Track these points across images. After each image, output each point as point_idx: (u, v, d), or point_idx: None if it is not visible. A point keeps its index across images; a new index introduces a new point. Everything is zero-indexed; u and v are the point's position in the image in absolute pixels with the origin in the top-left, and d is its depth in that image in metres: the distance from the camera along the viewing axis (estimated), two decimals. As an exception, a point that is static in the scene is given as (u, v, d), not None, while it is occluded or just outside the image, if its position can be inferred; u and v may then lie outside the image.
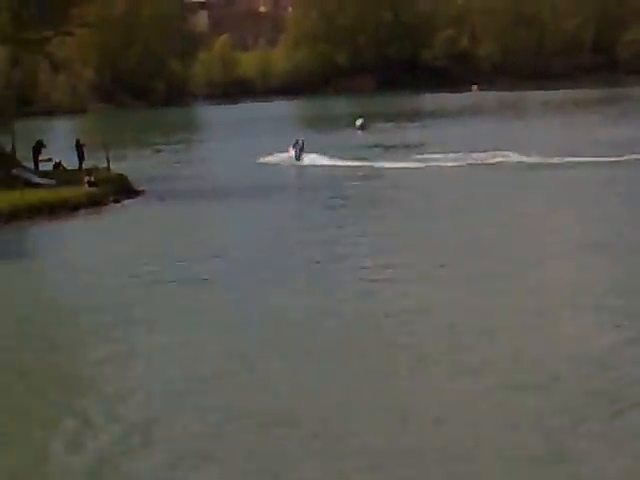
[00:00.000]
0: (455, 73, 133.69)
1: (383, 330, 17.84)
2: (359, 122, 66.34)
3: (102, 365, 16.72)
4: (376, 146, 53.66)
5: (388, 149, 52.18)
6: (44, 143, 43.95)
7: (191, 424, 13.51)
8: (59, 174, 40.74)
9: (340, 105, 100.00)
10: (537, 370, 15.17)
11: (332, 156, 47.73)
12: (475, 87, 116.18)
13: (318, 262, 23.83)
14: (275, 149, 50.50)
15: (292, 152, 48.85)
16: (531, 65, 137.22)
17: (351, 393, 14.60)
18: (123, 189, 38.24)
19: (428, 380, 15.17)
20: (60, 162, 43.27)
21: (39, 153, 42.73)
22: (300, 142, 49.68)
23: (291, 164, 47.57)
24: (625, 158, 41.63)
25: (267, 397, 14.51)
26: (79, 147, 43.04)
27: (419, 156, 46.76)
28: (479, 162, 43.27)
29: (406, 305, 19.27)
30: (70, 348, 18.38)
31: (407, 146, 53.35)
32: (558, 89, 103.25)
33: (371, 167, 43.93)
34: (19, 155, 41.99)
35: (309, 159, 48.16)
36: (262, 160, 48.38)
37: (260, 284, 21.69)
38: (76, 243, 29.54)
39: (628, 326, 17.31)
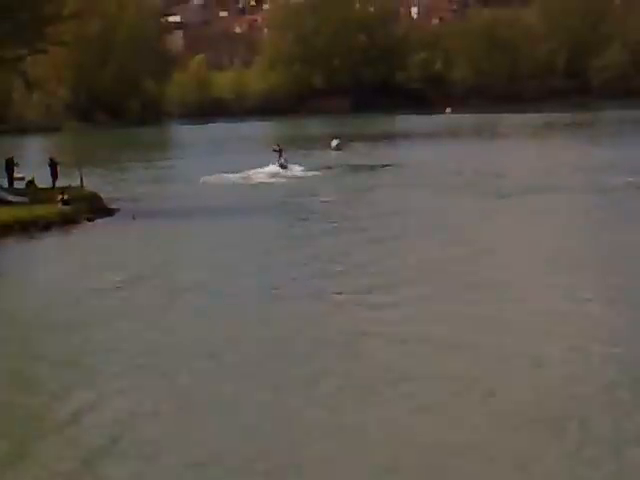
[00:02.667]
0: (429, 95, 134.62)
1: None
2: (335, 143, 66.82)
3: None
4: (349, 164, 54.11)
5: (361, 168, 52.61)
6: (16, 161, 43.90)
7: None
8: (32, 192, 40.67)
9: (315, 126, 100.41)
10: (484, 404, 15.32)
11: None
12: (449, 109, 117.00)
13: (276, 287, 23.42)
14: (249, 167, 51.77)
15: (274, 160, 52.11)
16: (504, 88, 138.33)
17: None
18: (96, 208, 38.23)
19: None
20: (33, 180, 43.23)
21: (12, 171, 42.66)
22: (278, 148, 53.05)
23: (264, 180, 48.62)
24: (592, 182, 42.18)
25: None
26: (53, 165, 42.99)
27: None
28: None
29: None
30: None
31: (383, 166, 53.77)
32: (531, 112, 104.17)
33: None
34: (-8, 173, 41.92)
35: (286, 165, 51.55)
36: (231, 178, 49.12)
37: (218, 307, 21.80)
38: (46, 261, 29.50)
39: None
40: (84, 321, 20.77)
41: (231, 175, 50.35)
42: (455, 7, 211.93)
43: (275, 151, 54.10)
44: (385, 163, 55.76)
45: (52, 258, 29.92)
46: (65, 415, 14.92)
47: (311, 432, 13.82)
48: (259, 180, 49.30)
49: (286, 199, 41.28)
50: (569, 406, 14.57)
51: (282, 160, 53.16)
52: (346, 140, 69.48)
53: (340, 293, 22.16)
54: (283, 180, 48.99)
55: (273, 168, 52.13)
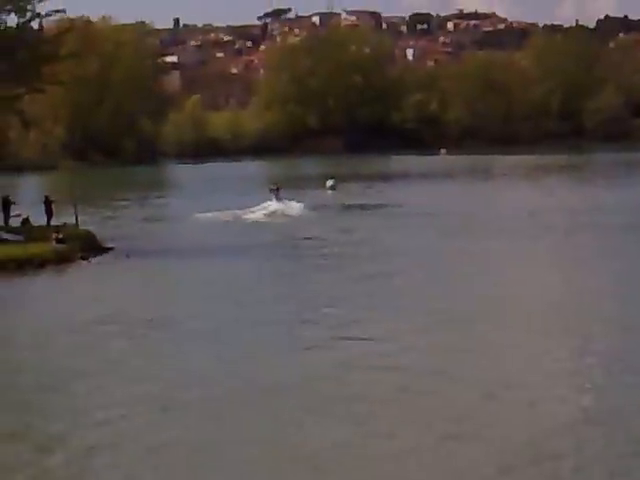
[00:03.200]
0: (424, 136, 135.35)
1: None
2: (330, 183, 67.16)
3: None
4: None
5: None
6: (12, 199, 44.01)
7: None
8: (27, 230, 40.72)
9: (309, 166, 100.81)
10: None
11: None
12: (443, 151, 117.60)
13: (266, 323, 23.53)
14: (245, 206, 52.25)
15: (272, 199, 53.28)
16: (499, 130, 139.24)
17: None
18: (91, 246, 38.25)
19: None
20: (28, 217, 43.22)
21: (8, 209, 42.73)
22: (275, 187, 54.31)
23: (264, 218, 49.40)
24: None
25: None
26: (48, 203, 43.07)
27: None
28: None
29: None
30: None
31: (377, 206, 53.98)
32: (525, 154, 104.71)
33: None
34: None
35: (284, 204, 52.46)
36: (226, 216, 49.35)
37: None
38: (39, 300, 29.48)
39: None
40: (66, 361, 20.76)
41: (226, 212, 50.68)
42: (450, 50, 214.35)
43: (272, 190, 54.69)
44: (379, 203, 55.98)
45: (46, 297, 29.86)
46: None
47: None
48: (255, 219, 49.55)
49: (281, 238, 41.44)
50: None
51: (279, 198, 53.87)
52: (341, 180, 69.75)
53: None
54: (279, 219, 49.21)
55: (270, 206, 52.67)
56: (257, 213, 51.28)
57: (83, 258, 36.36)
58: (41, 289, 31.23)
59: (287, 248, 38.65)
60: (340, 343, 21.38)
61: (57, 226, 39.54)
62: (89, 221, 44.58)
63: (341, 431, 15.58)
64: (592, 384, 17.92)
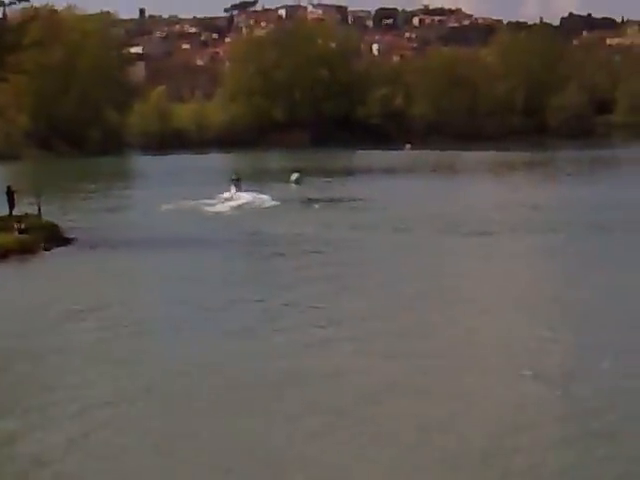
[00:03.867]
0: (389, 131, 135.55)
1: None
2: (294, 177, 67.18)
3: None
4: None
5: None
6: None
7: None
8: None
9: (274, 159, 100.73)
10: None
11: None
12: (408, 146, 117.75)
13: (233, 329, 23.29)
14: (208, 197, 53.03)
15: (232, 190, 54.27)
16: (464, 126, 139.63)
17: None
18: (54, 237, 38.06)
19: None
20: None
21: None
22: (236, 177, 55.89)
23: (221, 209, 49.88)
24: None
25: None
26: (10, 193, 42.70)
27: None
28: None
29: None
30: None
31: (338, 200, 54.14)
32: (489, 150, 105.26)
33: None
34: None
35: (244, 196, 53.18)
36: (189, 207, 49.54)
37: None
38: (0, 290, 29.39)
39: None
40: (24, 354, 20.76)
41: (189, 203, 50.80)
42: (415, 45, 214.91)
43: (233, 180, 56.05)
44: (344, 198, 56.13)
45: (6, 287, 29.73)
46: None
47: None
48: (218, 210, 49.65)
49: (243, 231, 41.43)
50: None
51: (240, 189, 55.04)
52: (306, 174, 69.82)
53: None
54: (240, 212, 49.28)
55: (235, 198, 53.37)
56: (222, 205, 51.46)
57: (46, 249, 36.19)
58: (1, 280, 31.07)
59: (252, 242, 38.66)
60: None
61: (19, 216, 39.30)
62: (52, 212, 44.33)
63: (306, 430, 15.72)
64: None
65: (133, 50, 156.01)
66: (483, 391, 17.59)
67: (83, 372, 19.12)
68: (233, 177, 56.76)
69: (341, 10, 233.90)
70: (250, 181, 62.53)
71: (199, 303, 25.89)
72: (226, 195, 54.36)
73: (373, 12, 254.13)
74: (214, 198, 53.09)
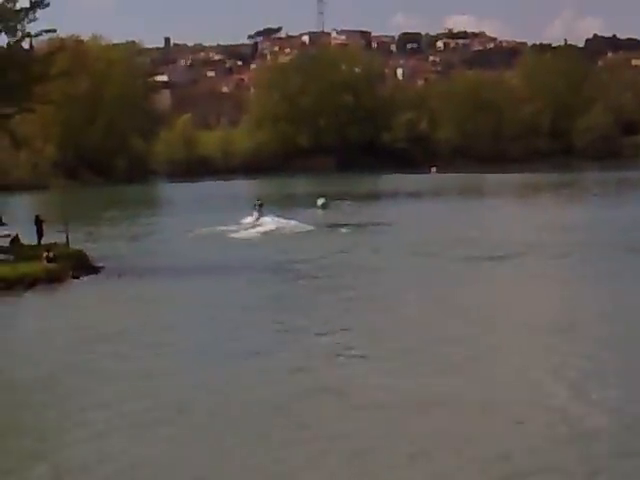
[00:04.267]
0: (414, 155, 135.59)
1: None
2: (320, 201, 67.20)
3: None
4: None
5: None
6: (2, 219, 43.92)
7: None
8: (18, 249, 40.60)
9: (301, 185, 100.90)
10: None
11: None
12: (434, 169, 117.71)
13: (258, 352, 23.30)
14: (234, 223, 53.94)
15: (255, 215, 55.70)
16: (489, 149, 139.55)
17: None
18: (82, 265, 38.20)
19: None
20: (17, 236, 42.96)
21: (-3, 227, 42.60)
22: (259, 203, 57.22)
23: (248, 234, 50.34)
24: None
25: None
26: (39, 223, 42.96)
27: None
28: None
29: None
30: None
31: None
32: (515, 173, 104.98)
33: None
34: (-22, 230, 41.89)
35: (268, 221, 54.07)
36: (215, 234, 49.85)
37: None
38: (28, 319, 29.49)
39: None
40: (58, 379, 20.82)
41: (216, 230, 51.04)
42: (440, 69, 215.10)
43: (256, 206, 57.39)
44: (371, 222, 56.08)
45: (36, 316, 29.84)
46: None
47: None
48: (245, 236, 49.79)
49: (269, 257, 41.35)
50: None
51: (262, 215, 56.23)
52: (332, 199, 69.85)
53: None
54: (267, 237, 49.35)
55: (253, 222, 54.74)
56: (248, 231, 51.67)
57: (74, 277, 36.33)
58: (31, 309, 31.19)
59: (277, 267, 38.60)
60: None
61: (48, 245, 39.49)
62: (80, 240, 44.55)
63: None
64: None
65: (158, 78, 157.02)
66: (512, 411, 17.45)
67: (114, 393, 19.14)
68: (256, 202, 57.99)
69: (365, 35, 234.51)
70: (277, 206, 62.76)
71: (226, 328, 25.93)
72: (249, 220, 55.41)
73: (397, 37, 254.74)
74: (240, 224, 53.56)
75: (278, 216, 55.94)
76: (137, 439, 16.66)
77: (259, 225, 53.73)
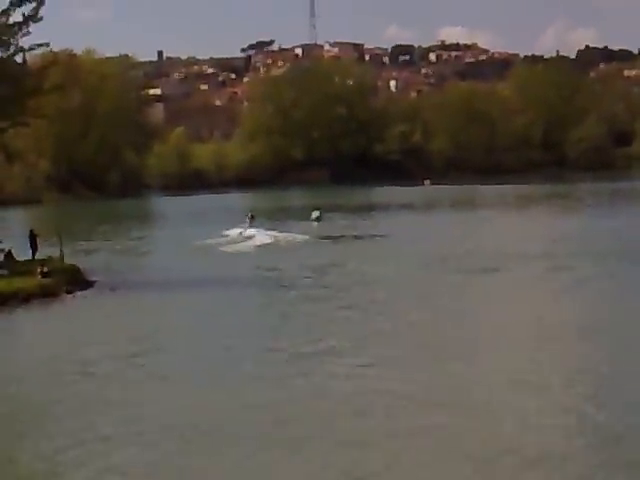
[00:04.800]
0: (408, 167, 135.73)
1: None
2: (315, 214, 67.27)
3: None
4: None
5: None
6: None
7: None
8: (12, 264, 40.46)
9: (294, 197, 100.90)
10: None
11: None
12: (427, 181, 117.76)
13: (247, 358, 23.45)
14: (227, 236, 54.79)
15: (246, 226, 57.41)
16: (482, 160, 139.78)
17: None
18: (76, 280, 38.08)
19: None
20: (10, 251, 42.77)
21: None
22: (250, 215, 59.35)
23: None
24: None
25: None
26: (33, 237, 42.83)
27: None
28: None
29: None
30: None
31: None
32: (508, 184, 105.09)
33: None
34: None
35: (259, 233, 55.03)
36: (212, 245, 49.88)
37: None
38: (23, 335, 29.36)
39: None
40: (59, 400, 20.71)
41: (209, 243, 51.13)
42: (433, 81, 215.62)
43: (248, 217, 59.48)
44: (365, 234, 56.06)
45: (30, 332, 29.73)
46: None
47: None
48: (239, 249, 49.82)
49: (263, 270, 41.30)
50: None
51: (252, 226, 57.80)
52: (326, 211, 69.83)
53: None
54: (261, 250, 49.41)
55: (243, 233, 55.86)
56: (243, 244, 51.75)
57: (68, 292, 36.20)
58: (25, 325, 31.07)
59: (272, 279, 38.54)
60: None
61: (42, 260, 39.37)
62: (74, 254, 44.44)
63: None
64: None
65: (152, 92, 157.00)
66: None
67: (111, 412, 19.05)
68: (248, 214, 60.03)
69: (358, 48, 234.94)
70: (271, 219, 62.76)
71: (217, 342, 25.89)
72: (239, 231, 56.61)
73: (389, 49, 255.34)
74: (231, 237, 54.02)
75: (269, 229, 56.30)
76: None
77: (250, 237, 53.97)
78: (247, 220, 58.93)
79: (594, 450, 16.15)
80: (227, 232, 56.38)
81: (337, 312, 29.77)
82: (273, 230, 56.09)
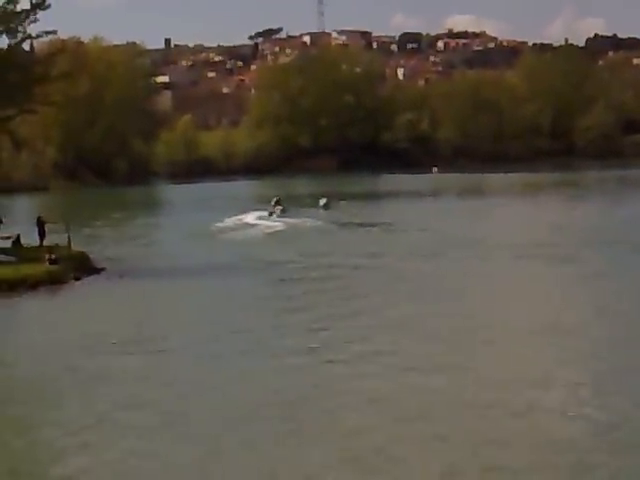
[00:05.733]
0: (415, 155, 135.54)
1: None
2: (323, 201, 67.26)
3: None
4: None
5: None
6: (1, 218, 43.87)
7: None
8: (20, 251, 40.51)
9: (302, 185, 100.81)
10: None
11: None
12: (435, 169, 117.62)
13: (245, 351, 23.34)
14: (236, 222, 55.93)
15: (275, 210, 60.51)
16: (490, 148, 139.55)
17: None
18: (84, 267, 38.13)
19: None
20: (19, 237, 42.83)
21: (-2, 229, 42.49)
22: (276, 200, 62.40)
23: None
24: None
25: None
26: (40, 224, 42.86)
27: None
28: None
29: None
30: None
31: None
32: (516, 172, 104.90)
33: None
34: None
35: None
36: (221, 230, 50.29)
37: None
38: (31, 321, 29.39)
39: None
40: (67, 384, 20.74)
41: (218, 230, 51.34)
42: (440, 69, 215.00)
43: (274, 203, 62.41)
44: (373, 222, 56.01)
45: (38, 318, 29.75)
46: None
47: None
48: (249, 235, 50.20)
49: (271, 257, 41.26)
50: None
51: (279, 211, 60.75)
52: (334, 199, 69.81)
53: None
54: (270, 236, 49.55)
55: (271, 217, 58.78)
56: (252, 229, 52.56)
57: (76, 279, 36.23)
58: (34, 311, 31.10)
59: (271, 266, 38.44)
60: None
61: (50, 247, 39.39)
62: (82, 241, 44.45)
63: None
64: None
65: (159, 80, 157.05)
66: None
67: (126, 396, 19.08)
68: (274, 200, 62.98)
69: (365, 35, 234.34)
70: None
71: (224, 327, 25.91)
72: (265, 214, 59.67)
73: (397, 37, 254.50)
74: (243, 224, 54.14)
75: (287, 217, 57.56)
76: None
77: (274, 221, 56.45)
78: (274, 205, 61.63)
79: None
80: (241, 223, 56.47)
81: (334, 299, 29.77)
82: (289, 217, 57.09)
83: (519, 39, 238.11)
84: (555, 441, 15.76)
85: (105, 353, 23.37)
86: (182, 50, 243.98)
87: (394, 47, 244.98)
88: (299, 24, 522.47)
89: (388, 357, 21.72)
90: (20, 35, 45.47)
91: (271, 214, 60.14)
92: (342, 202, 70.81)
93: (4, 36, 45.27)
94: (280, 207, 61.73)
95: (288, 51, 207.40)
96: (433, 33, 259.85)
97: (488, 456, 15.20)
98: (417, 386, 19.22)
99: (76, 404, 19.06)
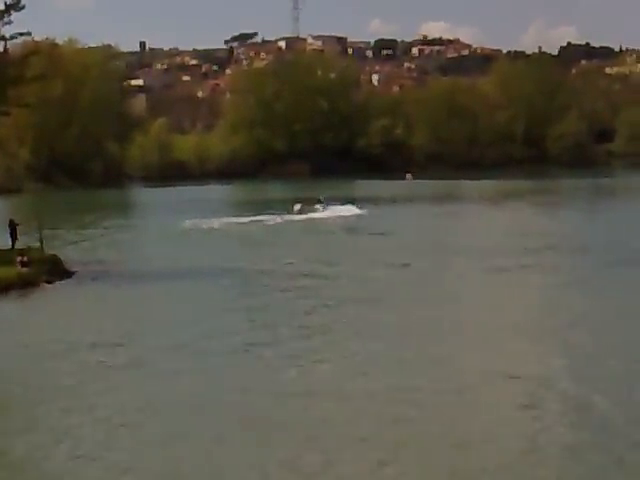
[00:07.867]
0: (389, 161, 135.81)
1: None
2: (297, 207, 67.37)
3: None
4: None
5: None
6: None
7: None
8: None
9: (276, 190, 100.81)
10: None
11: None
12: (409, 175, 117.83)
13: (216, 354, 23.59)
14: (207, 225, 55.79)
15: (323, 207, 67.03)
16: (464, 155, 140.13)
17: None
18: (56, 270, 38.03)
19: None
20: (-11, 239, 42.68)
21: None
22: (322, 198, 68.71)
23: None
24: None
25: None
26: (12, 227, 42.71)
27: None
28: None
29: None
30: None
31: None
32: (490, 179, 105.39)
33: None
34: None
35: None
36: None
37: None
38: (1, 325, 29.36)
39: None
40: (39, 388, 20.76)
41: (189, 230, 51.56)
42: (415, 75, 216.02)
43: (320, 200, 68.67)
44: (344, 227, 56.24)
45: (8, 321, 29.70)
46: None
47: None
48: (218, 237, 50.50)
49: (232, 262, 41.36)
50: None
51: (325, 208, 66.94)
52: (308, 204, 69.94)
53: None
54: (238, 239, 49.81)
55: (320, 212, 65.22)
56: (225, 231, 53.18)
57: (48, 282, 36.16)
58: (4, 314, 31.03)
59: (234, 267, 38.60)
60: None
61: (22, 250, 39.27)
62: (54, 244, 44.35)
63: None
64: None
65: (134, 82, 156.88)
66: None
67: (93, 398, 19.15)
68: (320, 198, 69.05)
69: (341, 41, 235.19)
70: (252, 211, 62.82)
71: (196, 330, 26.03)
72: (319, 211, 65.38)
73: (372, 43, 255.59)
74: (213, 226, 54.45)
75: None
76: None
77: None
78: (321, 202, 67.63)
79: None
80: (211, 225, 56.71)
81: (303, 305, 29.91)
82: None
83: (493, 47, 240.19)
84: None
85: (70, 356, 23.41)
86: (157, 53, 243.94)
87: (369, 53, 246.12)
88: (274, 29, 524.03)
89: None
90: (-6, 36, 45.25)
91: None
92: (316, 207, 70.90)
93: (-22, 38, 45.05)
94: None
95: (263, 56, 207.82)
96: (408, 40, 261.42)
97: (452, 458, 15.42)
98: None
99: (39, 408, 19.12)
